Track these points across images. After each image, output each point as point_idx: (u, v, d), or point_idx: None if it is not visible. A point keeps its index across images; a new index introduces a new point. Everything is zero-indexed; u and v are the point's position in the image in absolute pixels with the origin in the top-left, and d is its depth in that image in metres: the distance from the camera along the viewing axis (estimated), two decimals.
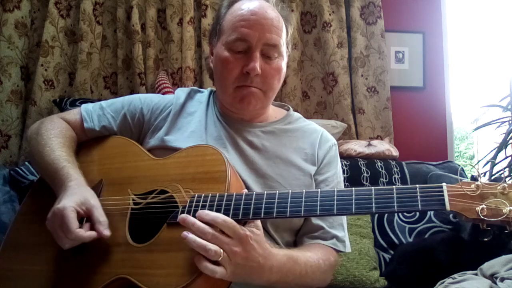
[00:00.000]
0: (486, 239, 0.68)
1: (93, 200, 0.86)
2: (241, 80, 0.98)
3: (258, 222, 0.80)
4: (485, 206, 0.68)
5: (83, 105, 1.10)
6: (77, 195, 0.85)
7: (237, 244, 0.74)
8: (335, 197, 0.77)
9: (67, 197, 0.84)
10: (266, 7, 1.00)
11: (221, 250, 0.73)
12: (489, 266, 1.25)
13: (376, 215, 1.86)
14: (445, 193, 0.71)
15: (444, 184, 0.73)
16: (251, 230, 0.77)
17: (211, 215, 0.76)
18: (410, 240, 1.78)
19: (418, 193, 0.73)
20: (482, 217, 0.67)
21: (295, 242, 1.01)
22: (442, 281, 1.25)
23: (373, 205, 0.74)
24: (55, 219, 0.82)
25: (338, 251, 1.00)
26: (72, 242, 0.82)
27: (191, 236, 0.74)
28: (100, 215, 0.84)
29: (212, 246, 0.73)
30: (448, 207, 0.70)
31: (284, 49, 1.02)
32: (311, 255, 0.91)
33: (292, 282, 0.86)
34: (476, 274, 1.27)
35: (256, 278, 0.80)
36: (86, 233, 0.81)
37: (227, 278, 0.75)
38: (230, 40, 0.98)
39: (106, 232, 0.82)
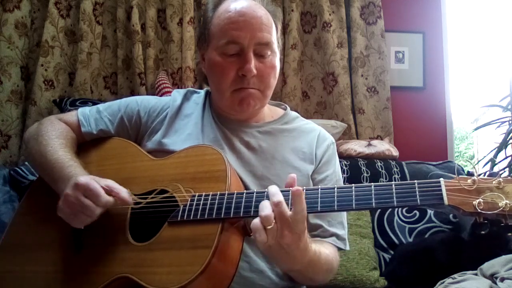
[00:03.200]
0: (483, 232, 0.70)
1: (107, 179, 0.88)
2: (238, 83, 0.97)
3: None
4: (482, 200, 0.69)
5: (80, 109, 1.10)
6: (90, 176, 0.88)
7: (292, 231, 0.74)
8: (335, 194, 0.78)
9: (83, 175, 0.87)
10: (253, 6, 0.98)
11: (273, 221, 0.73)
12: (489, 266, 1.25)
13: (376, 215, 1.87)
14: (443, 188, 0.72)
15: (441, 179, 0.74)
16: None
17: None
18: (410, 240, 1.78)
19: (417, 188, 0.74)
20: (479, 210, 0.69)
21: None
22: (442, 281, 1.26)
23: (373, 200, 0.75)
24: (77, 192, 0.83)
25: (338, 249, 1.00)
26: (101, 209, 0.84)
27: (265, 200, 0.75)
28: (118, 186, 0.87)
29: (269, 212, 0.73)
30: (446, 201, 0.71)
31: (276, 45, 1.01)
32: (328, 253, 0.93)
33: (306, 274, 0.90)
34: (476, 274, 1.27)
35: (282, 262, 0.83)
36: (112, 199, 0.84)
37: (263, 247, 0.75)
38: (221, 44, 0.96)
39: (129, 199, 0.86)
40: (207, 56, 1.01)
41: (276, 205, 0.73)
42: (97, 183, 0.84)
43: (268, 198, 0.78)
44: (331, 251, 0.96)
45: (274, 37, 1.01)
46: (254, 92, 0.98)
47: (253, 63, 0.95)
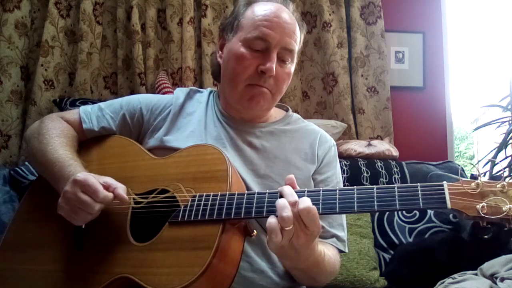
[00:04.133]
0: (486, 237, 0.69)
1: (106, 176, 0.89)
2: (254, 79, 0.98)
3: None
4: (485, 204, 0.69)
5: (82, 107, 1.10)
6: (90, 174, 0.88)
7: (307, 233, 0.75)
8: (337, 196, 0.78)
9: (82, 172, 0.87)
10: (288, 13, 1.02)
11: (292, 223, 0.73)
12: (489, 266, 1.25)
13: (376, 215, 1.87)
14: (446, 192, 0.72)
15: (444, 182, 0.73)
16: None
17: (308, 203, 0.75)
18: (410, 240, 1.78)
19: (420, 192, 0.73)
20: (482, 214, 0.68)
21: None
22: (442, 281, 1.26)
23: (375, 203, 0.75)
24: (75, 188, 0.83)
25: (338, 251, 1.01)
26: (101, 205, 0.83)
27: (282, 199, 0.75)
28: (115, 182, 0.87)
29: (290, 213, 0.73)
30: (449, 205, 0.71)
31: (295, 56, 1.04)
32: (331, 255, 0.94)
33: (309, 274, 0.91)
34: (476, 274, 1.27)
35: (289, 260, 0.84)
36: (112, 195, 0.84)
37: (275, 246, 0.75)
38: (249, 37, 0.98)
39: (124, 196, 0.86)
40: (230, 46, 1.02)
41: (294, 205, 0.74)
42: (95, 179, 0.84)
43: (269, 198, 0.79)
44: (333, 253, 0.97)
45: (297, 48, 1.03)
46: (266, 92, 0.99)
47: (275, 64, 0.96)
